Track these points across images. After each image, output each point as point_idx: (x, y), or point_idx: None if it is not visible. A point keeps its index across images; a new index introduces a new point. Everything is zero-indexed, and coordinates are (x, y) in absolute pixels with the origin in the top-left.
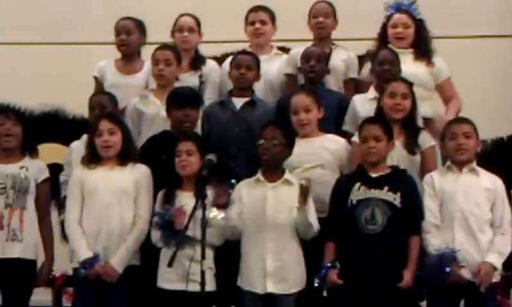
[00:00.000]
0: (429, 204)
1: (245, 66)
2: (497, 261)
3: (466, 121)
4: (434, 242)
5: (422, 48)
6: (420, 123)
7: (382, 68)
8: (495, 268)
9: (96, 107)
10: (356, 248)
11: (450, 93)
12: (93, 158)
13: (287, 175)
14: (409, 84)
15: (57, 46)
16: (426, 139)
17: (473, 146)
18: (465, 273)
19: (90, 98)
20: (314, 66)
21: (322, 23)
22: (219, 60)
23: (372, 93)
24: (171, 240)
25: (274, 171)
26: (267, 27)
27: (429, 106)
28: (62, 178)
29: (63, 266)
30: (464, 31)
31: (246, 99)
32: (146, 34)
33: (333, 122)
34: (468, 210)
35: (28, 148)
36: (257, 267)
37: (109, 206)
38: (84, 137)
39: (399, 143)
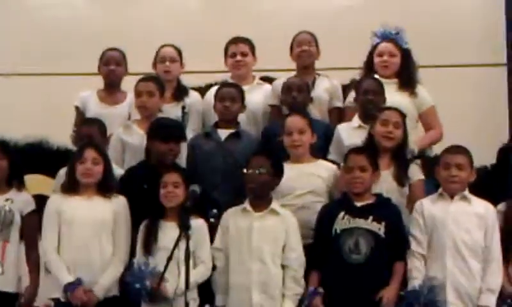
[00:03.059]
0: (416, 234)
1: (229, 98)
2: (491, 301)
3: (460, 151)
4: (416, 275)
5: (406, 78)
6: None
7: (366, 97)
8: None
9: (84, 136)
10: (340, 277)
11: (431, 123)
12: (72, 185)
13: (273, 205)
14: (402, 115)
15: (40, 77)
16: (415, 172)
17: (466, 177)
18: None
19: (79, 127)
20: (296, 98)
21: (307, 51)
22: (203, 91)
23: (356, 121)
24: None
25: (261, 200)
26: (247, 59)
27: (413, 137)
28: None
29: (45, 298)
30: (448, 60)
31: (231, 130)
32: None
33: (319, 151)
34: (459, 237)
35: (14, 180)
36: (243, 298)
37: (88, 239)
38: None
39: (388, 173)
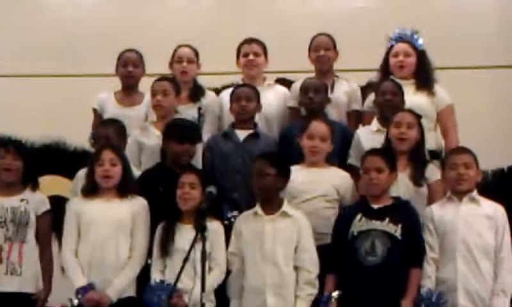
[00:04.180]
0: (428, 239)
1: (245, 98)
2: (505, 302)
3: (466, 151)
4: (431, 275)
5: (423, 79)
6: (427, 156)
7: (384, 98)
8: None
9: (102, 137)
10: (356, 279)
11: (447, 124)
12: (91, 188)
13: (285, 207)
14: (417, 116)
15: (57, 78)
16: (433, 172)
17: (474, 176)
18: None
19: (95, 127)
20: (313, 98)
21: (324, 56)
22: (219, 92)
23: (375, 125)
24: None
25: (271, 203)
26: (260, 59)
27: (433, 138)
28: None
29: (63, 298)
30: (463, 62)
31: (249, 131)
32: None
33: (335, 153)
34: (470, 239)
35: (29, 181)
36: (257, 301)
37: (105, 239)
38: None
39: (405, 175)
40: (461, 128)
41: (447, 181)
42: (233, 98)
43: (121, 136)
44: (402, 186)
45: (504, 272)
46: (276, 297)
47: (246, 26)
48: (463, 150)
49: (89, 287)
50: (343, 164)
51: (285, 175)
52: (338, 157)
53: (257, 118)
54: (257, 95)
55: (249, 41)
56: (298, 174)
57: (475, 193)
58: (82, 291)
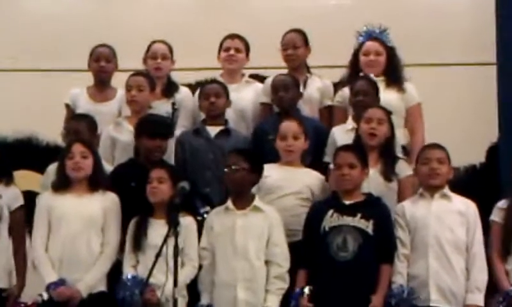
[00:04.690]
0: (400, 235)
1: (214, 94)
2: (479, 298)
3: (439, 147)
4: (402, 271)
5: (393, 76)
6: (398, 152)
7: (356, 99)
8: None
9: (72, 132)
10: (328, 275)
11: (415, 123)
12: (62, 182)
13: (256, 202)
14: (387, 112)
15: (30, 73)
16: (404, 168)
17: (446, 172)
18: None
19: (67, 122)
20: (283, 97)
21: (292, 55)
22: (193, 88)
23: (350, 123)
24: None
25: (242, 197)
26: (240, 55)
27: (402, 133)
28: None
29: (35, 293)
30: (438, 59)
31: (220, 127)
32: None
33: (309, 149)
34: (442, 235)
35: (3, 176)
36: (228, 295)
37: (76, 235)
38: None
39: (376, 170)
40: (433, 125)
41: (419, 176)
42: (202, 95)
43: (92, 131)
44: (372, 181)
45: (476, 269)
46: (247, 291)
47: (220, 22)
48: (437, 146)
49: (60, 282)
50: (316, 161)
51: (258, 171)
52: (312, 153)
53: (234, 114)
54: (226, 91)
55: (233, 36)
56: (272, 171)
57: (446, 189)
58: (53, 286)
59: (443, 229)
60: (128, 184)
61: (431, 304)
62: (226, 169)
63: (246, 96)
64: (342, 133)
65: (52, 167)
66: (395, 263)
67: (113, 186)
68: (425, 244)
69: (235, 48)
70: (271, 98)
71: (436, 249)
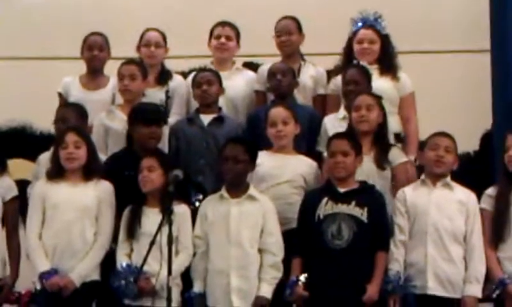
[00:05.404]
0: (399, 221)
1: (206, 82)
2: (478, 289)
3: (448, 136)
4: (399, 257)
5: (387, 64)
6: (391, 139)
7: (347, 88)
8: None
9: (60, 119)
10: (322, 263)
11: (408, 112)
12: (57, 171)
13: (251, 190)
14: (377, 97)
15: (23, 61)
16: (397, 155)
17: (451, 162)
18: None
19: (56, 110)
20: (281, 81)
21: (286, 41)
22: (187, 76)
23: (342, 112)
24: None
25: (237, 186)
26: (231, 43)
27: (396, 121)
28: (30, 191)
29: (29, 283)
30: (432, 46)
31: (214, 115)
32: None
33: (303, 136)
34: (441, 224)
35: None
36: (222, 282)
37: (70, 223)
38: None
39: (369, 158)
40: (427, 112)
41: (425, 161)
42: (195, 83)
43: (81, 118)
44: (366, 169)
45: (475, 259)
46: (241, 278)
47: (213, 10)
48: (446, 135)
49: (53, 272)
50: (311, 149)
51: (254, 160)
52: (307, 141)
53: (224, 102)
54: (219, 78)
55: (223, 24)
56: (265, 159)
57: (449, 179)
58: (46, 275)
59: (442, 218)
60: (122, 173)
61: (428, 292)
62: (225, 161)
63: (237, 84)
64: (333, 123)
65: (44, 157)
66: (392, 250)
67: (108, 175)
68: (424, 231)
69: (225, 36)
70: (266, 86)
71: (434, 238)
